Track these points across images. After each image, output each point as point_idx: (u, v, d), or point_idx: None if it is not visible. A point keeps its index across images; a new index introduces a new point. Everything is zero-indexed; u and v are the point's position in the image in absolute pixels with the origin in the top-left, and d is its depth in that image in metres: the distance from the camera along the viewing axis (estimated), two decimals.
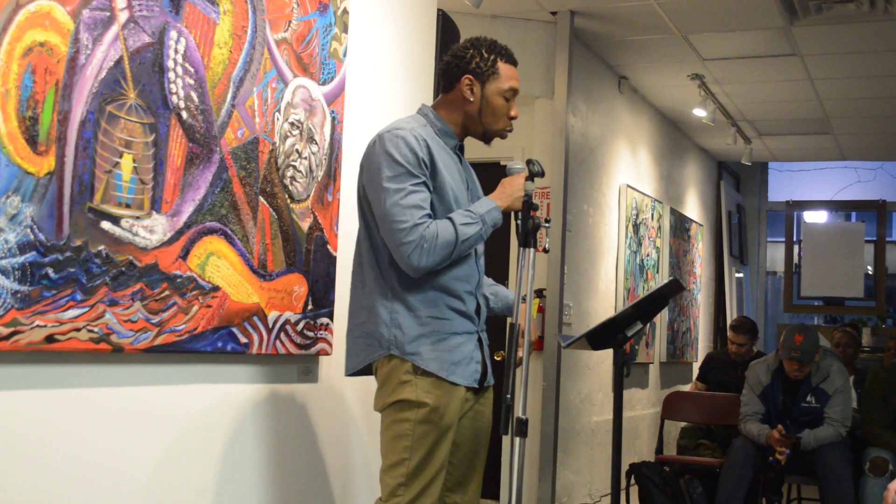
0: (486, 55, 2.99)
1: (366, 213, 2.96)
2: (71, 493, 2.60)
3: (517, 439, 2.65)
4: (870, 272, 11.30)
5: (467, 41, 3.06)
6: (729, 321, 10.04)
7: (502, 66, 3.01)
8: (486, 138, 3.07)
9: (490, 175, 3.14)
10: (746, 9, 5.98)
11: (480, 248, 3.04)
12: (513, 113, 3.04)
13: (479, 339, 3.01)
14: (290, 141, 3.34)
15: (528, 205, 2.87)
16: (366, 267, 2.96)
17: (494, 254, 3.37)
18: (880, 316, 10.59)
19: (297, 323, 3.37)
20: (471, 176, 3.12)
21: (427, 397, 2.83)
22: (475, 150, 3.27)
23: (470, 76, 2.98)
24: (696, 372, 8.50)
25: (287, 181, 3.33)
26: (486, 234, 2.90)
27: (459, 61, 3.00)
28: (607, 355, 3.48)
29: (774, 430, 5.44)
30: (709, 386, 7.15)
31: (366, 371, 2.99)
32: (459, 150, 3.09)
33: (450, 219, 2.84)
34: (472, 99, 2.99)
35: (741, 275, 11.45)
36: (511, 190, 2.93)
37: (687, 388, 8.67)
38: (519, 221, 2.86)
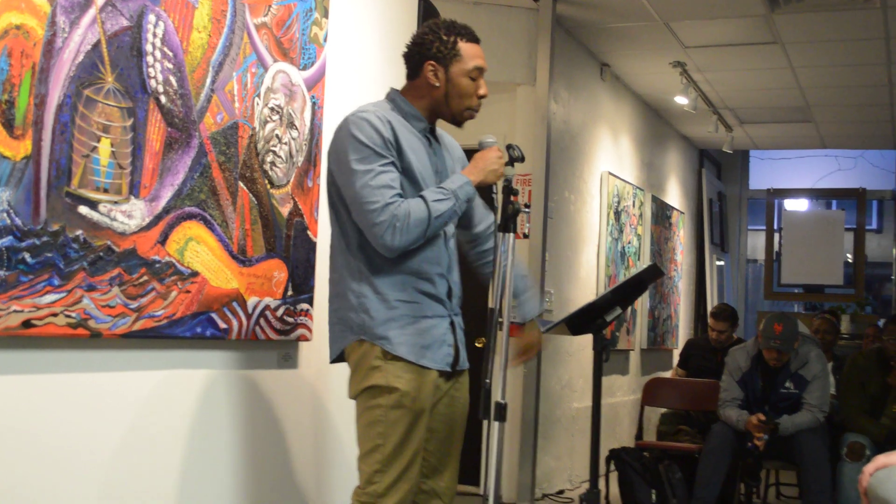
0: (445, 38, 2.94)
1: (333, 198, 2.92)
2: (47, 477, 2.59)
3: (496, 424, 2.65)
4: (849, 260, 11.36)
5: (425, 26, 3.02)
6: (709, 308, 10.08)
7: (464, 46, 2.95)
8: (457, 121, 3.03)
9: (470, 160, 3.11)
10: None
11: (450, 229, 3.01)
12: (482, 91, 2.99)
13: (452, 323, 3.00)
14: (269, 126, 3.33)
15: (509, 190, 2.86)
16: (335, 252, 2.94)
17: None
18: (859, 303, 10.64)
19: (276, 309, 3.37)
20: (443, 159, 3.06)
21: (398, 382, 2.81)
22: (454, 136, 3.26)
23: (432, 62, 2.94)
24: (676, 359, 8.54)
25: (267, 166, 3.32)
26: (459, 210, 2.88)
27: (420, 48, 2.96)
28: (588, 342, 3.49)
29: (753, 417, 5.47)
30: (689, 372, 7.18)
31: (344, 357, 2.97)
32: (431, 133, 3.05)
33: (421, 196, 2.82)
34: (437, 84, 2.95)
35: (722, 262, 11.49)
36: (483, 164, 2.91)
37: (668, 374, 8.70)
38: (495, 196, 2.85)
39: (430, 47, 2.94)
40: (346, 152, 2.82)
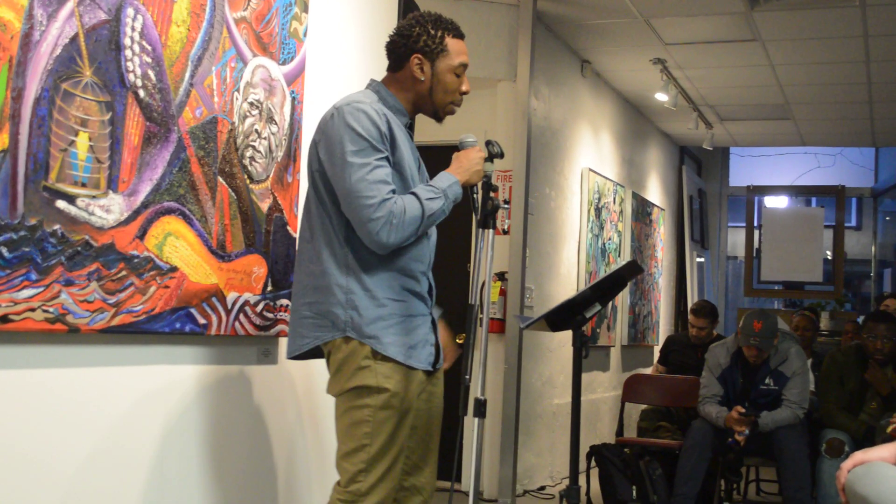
0: (433, 32, 2.92)
1: (319, 189, 2.87)
2: (25, 473, 2.57)
3: (476, 420, 2.66)
4: (829, 257, 11.43)
5: (411, 17, 2.98)
6: (690, 305, 10.12)
7: (451, 42, 2.94)
8: (438, 116, 3.02)
9: (446, 157, 3.11)
10: None
11: (432, 228, 3.01)
12: (464, 88, 2.98)
13: (433, 321, 2.99)
14: (249, 121, 3.32)
15: (488, 186, 2.86)
16: (319, 244, 2.86)
17: (455, 235, 3.36)
18: (838, 300, 10.71)
19: (256, 304, 3.35)
20: (418, 154, 3.05)
21: (387, 383, 2.79)
22: (433, 131, 3.25)
23: (419, 55, 2.92)
24: (657, 355, 8.57)
25: (246, 161, 3.31)
26: (448, 209, 2.86)
27: (406, 40, 2.93)
28: (568, 338, 3.49)
29: (733, 411, 5.49)
30: (669, 368, 7.20)
31: (310, 354, 2.91)
32: (410, 128, 3.03)
33: (414, 194, 2.80)
34: (422, 78, 2.93)
35: (702, 259, 11.53)
36: (468, 164, 2.90)
37: (648, 370, 8.72)
38: (475, 195, 2.84)
39: (417, 40, 2.92)
40: (342, 143, 2.76)
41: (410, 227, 2.76)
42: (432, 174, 2.96)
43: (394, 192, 2.77)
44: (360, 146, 2.75)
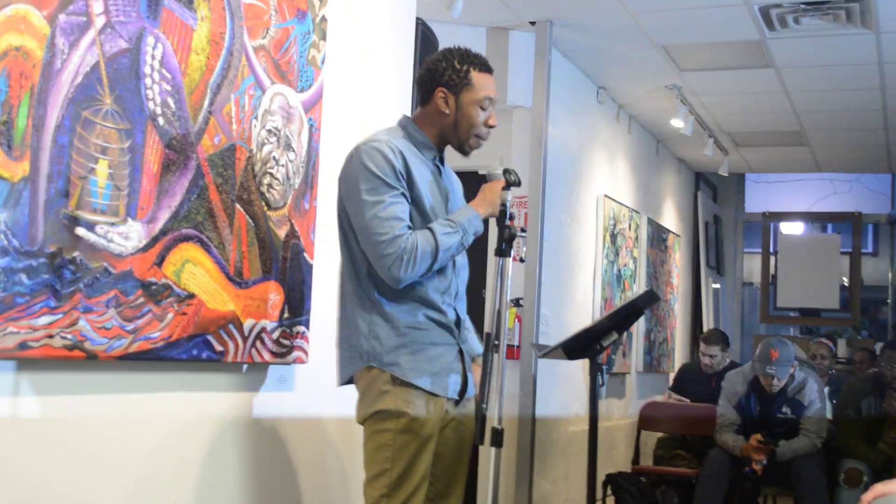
0: (458, 66, 2.97)
1: (344, 226, 2.95)
2: (41, 499, 2.57)
3: (493, 449, 2.65)
4: (845, 284, 11.37)
5: (440, 53, 3.04)
6: (706, 329, 10.07)
7: (476, 76, 2.98)
8: (463, 150, 3.04)
9: (468, 184, 3.13)
10: (723, 21, 6.01)
11: (460, 259, 3.03)
12: (491, 122, 3.01)
13: (461, 351, 3.00)
14: (267, 148, 3.33)
15: (504, 214, 2.87)
16: (345, 279, 2.97)
17: (472, 262, 3.36)
18: (855, 327, 10.65)
19: (273, 331, 3.36)
20: (452, 187, 3.10)
21: (406, 407, 2.82)
22: (453, 159, 3.27)
23: (444, 88, 2.96)
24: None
25: (264, 188, 3.32)
26: (467, 243, 2.89)
27: (433, 74, 2.98)
28: (584, 365, 3.48)
29: (751, 439, 5.45)
30: (684, 396, 7.17)
31: (352, 381, 3.00)
32: (440, 162, 3.07)
33: (430, 229, 2.84)
34: (447, 111, 2.97)
35: (718, 285, 11.49)
36: (492, 197, 2.92)
37: (662, 398, 8.69)
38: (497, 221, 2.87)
39: (442, 74, 2.97)
40: (357, 181, 2.84)
41: (424, 263, 2.80)
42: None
43: (409, 227, 2.82)
44: (373, 184, 2.82)
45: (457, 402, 2.99)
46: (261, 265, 3.30)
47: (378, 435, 2.85)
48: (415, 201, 2.89)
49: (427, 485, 2.89)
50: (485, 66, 3.02)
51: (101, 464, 2.76)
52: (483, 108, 2.99)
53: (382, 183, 2.81)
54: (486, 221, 2.95)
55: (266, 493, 3.41)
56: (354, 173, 2.86)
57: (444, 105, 2.97)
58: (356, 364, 2.90)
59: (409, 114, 3.12)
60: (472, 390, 3.05)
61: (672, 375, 9.01)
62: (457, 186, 3.17)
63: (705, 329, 10.15)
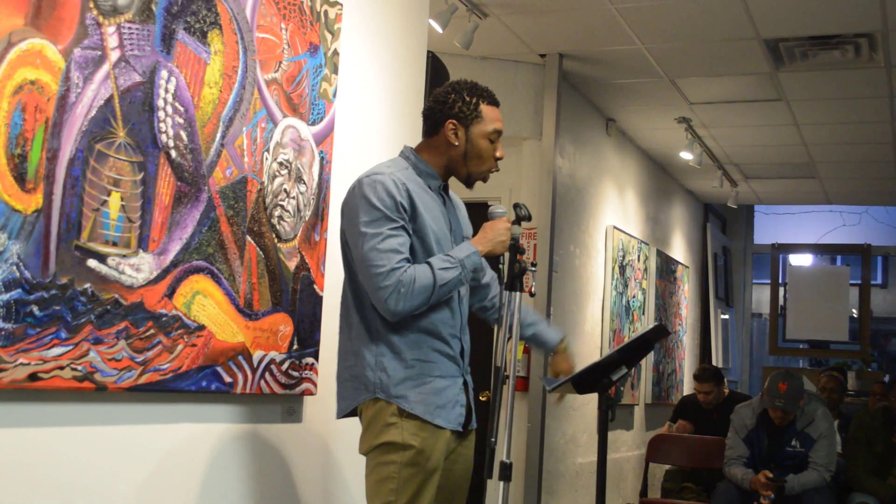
0: (468, 98, 2.99)
1: (348, 258, 2.96)
2: None
3: (502, 484, 2.64)
4: (854, 315, 11.34)
5: (448, 85, 3.07)
6: (714, 362, 10.04)
7: (485, 109, 3.00)
8: (469, 182, 3.06)
9: (475, 215, 3.15)
10: (733, 54, 6.04)
11: (464, 290, 3.04)
12: (498, 154, 3.04)
13: (465, 383, 3.01)
14: (278, 181, 3.35)
15: (515, 248, 2.88)
16: (351, 311, 2.96)
17: None
18: (865, 360, 10.61)
19: (282, 363, 3.36)
20: (456, 216, 3.11)
21: (413, 440, 2.81)
22: (460, 190, 3.28)
23: (454, 121, 2.98)
24: None
25: (275, 220, 3.33)
26: (465, 279, 2.90)
27: (442, 106, 3.00)
28: (592, 396, 3.49)
29: (760, 475, 5.43)
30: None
31: (355, 413, 2.98)
32: (444, 190, 3.09)
33: (428, 263, 2.84)
34: (456, 143, 2.99)
35: (727, 317, 11.47)
36: (493, 234, 2.93)
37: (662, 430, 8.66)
38: (502, 266, 2.88)
39: (452, 106, 2.99)
40: (357, 213, 2.85)
41: (420, 297, 2.80)
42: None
43: (408, 260, 2.83)
44: (373, 216, 2.82)
45: (459, 434, 2.99)
46: (271, 297, 3.31)
47: (383, 467, 2.84)
48: (418, 232, 2.90)
49: None
50: (493, 100, 3.05)
51: (110, 494, 2.76)
52: (491, 141, 3.02)
53: (383, 216, 2.82)
54: (487, 258, 2.96)
55: None
56: (355, 205, 2.87)
57: (453, 137, 2.99)
58: (361, 395, 2.89)
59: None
60: (475, 423, 3.06)
61: (675, 406, 8.98)
62: (461, 212, 3.17)
63: (714, 360, 10.13)
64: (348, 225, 2.91)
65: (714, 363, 10.17)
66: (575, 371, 3.29)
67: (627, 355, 3.49)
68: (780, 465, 5.57)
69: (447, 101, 3.00)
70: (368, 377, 2.87)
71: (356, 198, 2.88)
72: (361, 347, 2.90)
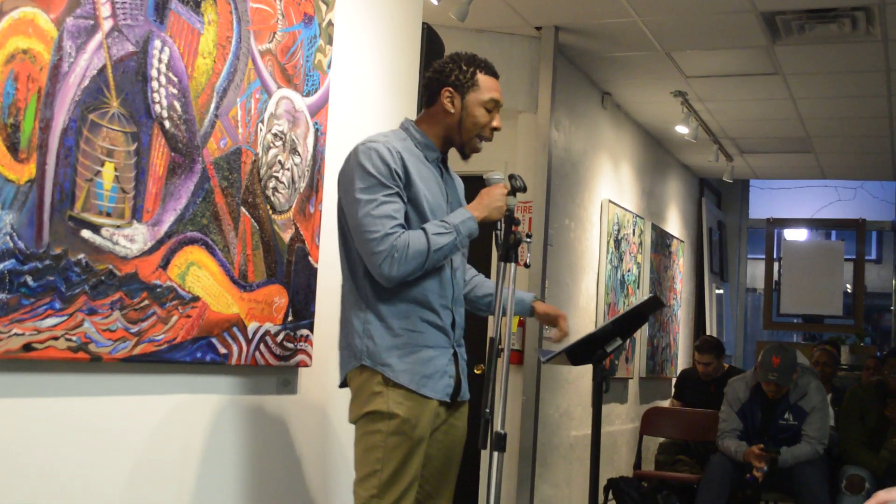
0: (465, 68, 3.02)
1: (343, 226, 2.98)
2: (47, 500, 2.58)
3: (495, 454, 2.65)
4: (849, 290, 11.36)
5: (447, 57, 3.10)
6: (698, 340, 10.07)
7: (482, 78, 3.02)
8: (464, 151, 3.07)
9: (472, 188, 3.14)
10: (730, 28, 6.02)
11: (457, 261, 3.04)
12: (495, 124, 3.05)
13: (455, 354, 3.01)
14: (272, 152, 3.34)
15: (510, 220, 2.88)
16: (346, 279, 2.99)
17: (476, 268, 3.37)
18: (858, 334, 10.64)
19: (276, 334, 3.36)
20: (454, 189, 3.12)
21: (398, 409, 2.84)
22: (456, 164, 3.28)
23: (450, 88, 3.00)
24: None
25: (269, 192, 3.33)
26: (461, 245, 2.91)
27: (440, 75, 3.03)
28: (587, 369, 3.49)
29: (753, 447, 5.45)
30: (683, 403, 7.17)
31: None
32: (442, 163, 3.10)
33: (423, 229, 2.86)
34: (452, 111, 3.01)
35: (721, 291, 11.49)
36: (488, 200, 2.93)
37: (666, 403, 8.68)
38: (499, 232, 2.88)
39: (449, 75, 3.02)
40: (353, 180, 2.87)
41: (414, 262, 2.82)
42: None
43: (402, 226, 2.84)
44: (368, 183, 2.85)
45: (449, 406, 3.00)
46: (265, 268, 3.31)
47: (369, 436, 2.86)
48: (412, 201, 2.91)
49: (417, 486, 2.91)
50: (491, 70, 3.07)
51: (104, 465, 2.76)
52: (488, 110, 3.02)
53: (377, 182, 2.84)
54: (484, 225, 2.95)
55: (268, 496, 3.42)
56: (351, 172, 2.89)
57: (449, 105, 3.01)
58: (350, 363, 2.92)
59: (413, 118, 3.13)
60: (467, 394, 3.06)
61: (675, 381, 9.01)
62: (459, 189, 3.18)
63: (708, 332, 10.15)
64: (343, 192, 2.94)
65: None
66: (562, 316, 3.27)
67: (622, 327, 3.51)
68: (774, 437, 5.60)
69: (444, 71, 3.03)
70: (356, 344, 2.90)
71: (352, 165, 2.90)
72: (351, 315, 2.94)
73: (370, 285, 2.90)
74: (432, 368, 2.91)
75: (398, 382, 2.85)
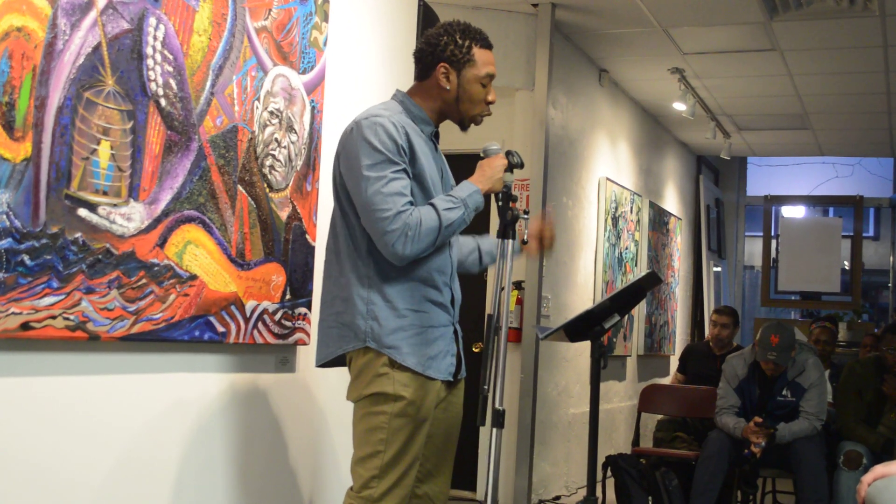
0: (460, 41, 2.93)
1: (342, 202, 2.89)
2: (44, 479, 2.58)
3: (494, 430, 2.65)
4: (846, 267, 11.37)
5: (440, 26, 3.00)
6: (707, 314, 10.08)
7: (478, 52, 2.95)
8: (464, 125, 3.02)
9: (470, 165, 3.12)
10: (727, 3, 5.99)
11: (452, 237, 3.00)
12: (490, 98, 2.99)
13: (455, 332, 3.00)
14: (269, 130, 3.33)
15: (508, 196, 2.86)
16: (343, 256, 2.89)
17: None
18: (856, 311, 10.66)
19: (274, 312, 3.36)
20: (443, 163, 3.08)
21: (404, 391, 2.80)
22: (455, 140, 3.26)
23: (445, 64, 2.92)
24: (673, 365, 8.53)
25: (266, 170, 3.32)
26: (468, 219, 2.85)
27: (434, 49, 2.94)
28: (585, 347, 3.50)
29: (751, 422, 5.46)
30: (687, 378, 7.17)
31: (338, 362, 2.94)
32: (435, 137, 3.04)
33: (432, 205, 2.80)
34: (448, 87, 2.94)
35: (719, 269, 11.50)
36: (490, 172, 2.89)
37: (665, 380, 8.70)
38: (500, 204, 2.84)
39: (444, 49, 2.93)
40: (359, 157, 2.78)
41: (427, 239, 2.77)
42: (457, 181, 2.97)
43: (411, 203, 2.78)
44: (376, 159, 2.76)
45: (449, 383, 2.98)
46: (263, 247, 3.30)
47: (373, 416, 2.82)
48: (417, 177, 2.85)
49: (418, 466, 2.90)
50: (486, 42, 2.99)
51: (103, 443, 2.77)
52: (483, 85, 2.97)
53: (385, 158, 2.76)
54: (486, 199, 2.92)
55: (266, 473, 3.43)
56: (355, 148, 2.80)
57: (445, 81, 2.94)
58: (349, 343, 2.85)
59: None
60: (464, 371, 3.04)
61: (674, 359, 9.02)
62: (446, 165, 3.14)
63: (706, 312, 10.16)
64: (347, 168, 2.83)
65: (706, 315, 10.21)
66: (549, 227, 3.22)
67: (620, 303, 3.50)
68: (772, 414, 5.60)
69: (439, 44, 2.94)
70: (359, 325, 2.83)
71: (356, 140, 2.81)
72: (352, 294, 2.85)
73: (374, 264, 2.84)
74: (437, 349, 2.88)
75: (405, 365, 2.81)
